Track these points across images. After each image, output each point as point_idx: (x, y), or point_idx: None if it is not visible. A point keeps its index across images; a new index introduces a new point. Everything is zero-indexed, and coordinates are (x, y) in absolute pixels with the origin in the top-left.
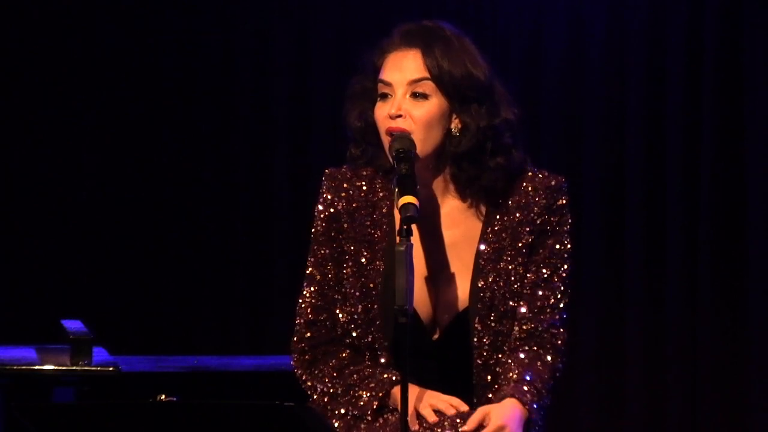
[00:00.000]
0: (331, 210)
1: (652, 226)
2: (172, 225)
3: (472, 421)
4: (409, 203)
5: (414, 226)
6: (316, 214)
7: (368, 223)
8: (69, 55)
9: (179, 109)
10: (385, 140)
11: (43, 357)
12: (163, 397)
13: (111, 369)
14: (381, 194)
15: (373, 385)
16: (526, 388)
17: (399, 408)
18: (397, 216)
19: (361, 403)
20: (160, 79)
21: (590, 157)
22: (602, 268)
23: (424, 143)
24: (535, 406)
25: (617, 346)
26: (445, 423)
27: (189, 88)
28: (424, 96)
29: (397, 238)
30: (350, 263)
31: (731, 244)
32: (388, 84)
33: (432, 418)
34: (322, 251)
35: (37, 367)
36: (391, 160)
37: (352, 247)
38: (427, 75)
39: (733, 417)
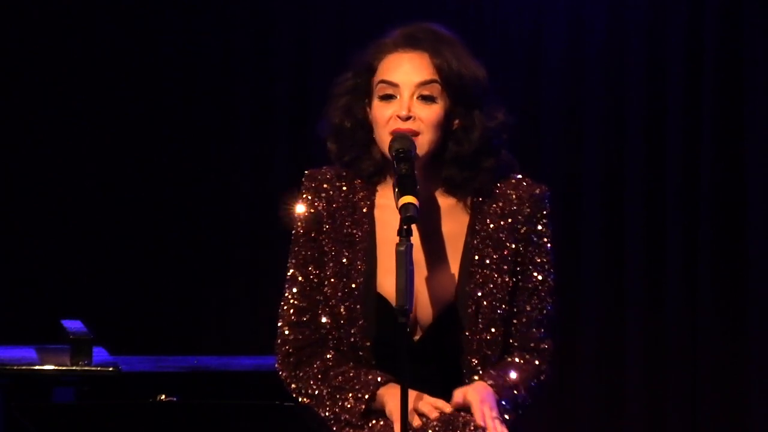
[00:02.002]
0: (312, 210)
1: (652, 226)
2: (172, 225)
3: (454, 404)
4: (410, 203)
5: (395, 224)
6: (296, 215)
7: (349, 223)
8: (69, 55)
9: (179, 109)
10: (386, 140)
11: (43, 357)
12: (163, 397)
13: (111, 369)
14: (361, 194)
15: (358, 387)
16: (494, 372)
17: (385, 410)
18: (378, 216)
19: (348, 406)
20: (160, 79)
21: (590, 157)
22: (602, 268)
23: (429, 145)
24: (504, 390)
25: (617, 346)
26: (428, 427)
27: (189, 88)
28: (432, 98)
29: (397, 238)
30: (331, 264)
31: (731, 244)
32: (394, 85)
33: (416, 422)
34: (304, 252)
35: (37, 367)
36: (390, 159)
37: (333, 248)
38: (436, 77)
39: (733, 417)
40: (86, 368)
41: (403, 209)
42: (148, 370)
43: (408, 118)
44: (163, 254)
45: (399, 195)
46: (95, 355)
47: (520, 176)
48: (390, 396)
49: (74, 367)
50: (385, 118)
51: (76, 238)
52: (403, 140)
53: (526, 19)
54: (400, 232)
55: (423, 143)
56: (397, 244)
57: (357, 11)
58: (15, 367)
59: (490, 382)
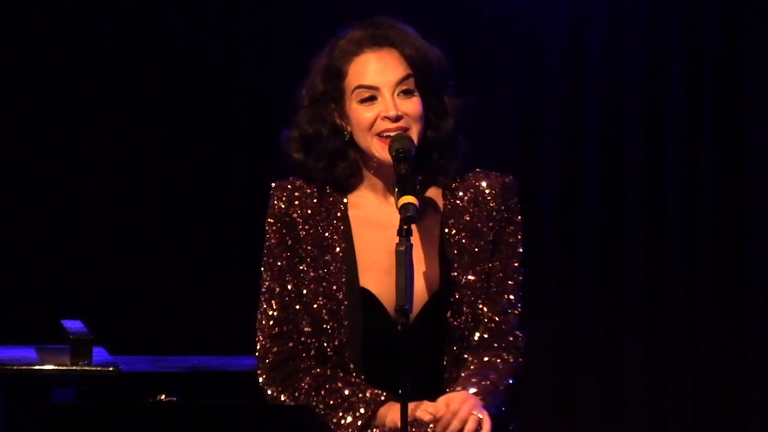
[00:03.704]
0: (287, 219)
1: (652, 226)
2: (172, 225)
3: (438, 409)
4: (409, 203)
5: (374, 221)
6: (267, 227)
7: (324, 225)
8: (69, 55)
9: (179, 109)
10: (378, 143)
11: (43, 357)
12: (163, 397)
13: (111, 369)
14: (332, 198)
15: (357, 405)
16: (475, 380)
17: (386, 421)
18: (352, 215)
19: (344, 423)
20: (160, 79)
21: (590, 157)
22: (602, 269)
23: (418, 136)
24: (488, 397)
25: (617, 346)
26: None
27: (189, 88)
28: (411, 92)
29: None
30: (310, 270)
31: (731, 244)
32: (373, 88)
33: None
34: (280, 263)
35: (37, 367)
36: (381, 159)
37: (311, 253)
38: (410, 72)
39: (733, 417)
40: (86, 368)
41: (403, 209)
42: (148, 370)
43: (398, 118)
44: (163, 254)
45: (399, 195)
46: (95, 355)
47: (481, 169)
48: (392, 412)
49: (74, 367)
50: (369, 121)
51: (76, 238)
52: (403, 140)
53: (526, 19)
54: (399, 232)
55: (413, 136)
56: (397, 244)
57: (357, 11)
58: (15, 367)
59: (473, 390)
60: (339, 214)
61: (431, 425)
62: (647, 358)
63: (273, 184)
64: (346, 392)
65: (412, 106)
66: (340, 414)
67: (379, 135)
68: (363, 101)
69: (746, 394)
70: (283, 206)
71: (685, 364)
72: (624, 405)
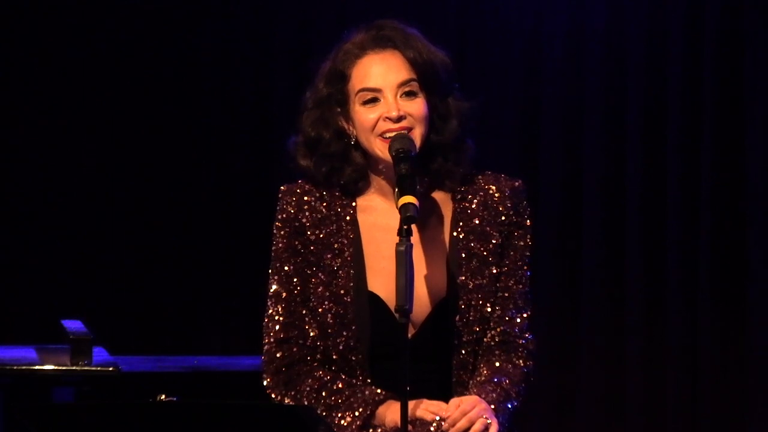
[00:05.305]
0: (296, 224)
1: (652, 227)
2: (172, 225)
3: (446, 409)
4: (409, 203)
5: (383, 225)
6: (275, 231)
7: (334, 230)
8: (69, 55)
9: (179, 109)
10: (380, 143)
11: (43, 357)
12: (163, 397)
13: (111, 369)
14: (341, 202)
15: (356, 405)
16: (491, 387)
17: (386, 421)
18: (361, 220)
19: (344, 423)
20: (160, 79)
21: (590, 157)
22: (602, 269)
23: (421, 138)
24: (501, 405)
25: (617, 347)
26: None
27: (189, 88)
28: (414, 93)
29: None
30: (319, 273)
31: (731, 245)
32: (375, 90)
33: (414, 427)
34: (286, 268)
35: (37, 367)
36: (382, 160)
37: (320, 256)
38: (414, 75)
39: (733, 417)
40: (86, 368)
41: (403, 209)
42: (148, 370)
43: (400, 119)
44: (163, 254)
45: (399, 195)
46: (95, 355)
47: (491, 172)
48: (391, 412)
49: (74, 367)
50: (371, 122)
51: (76, 238)
52: (403, 140)
53: (526, 19)
54: (400, 232)
55: (416, 137)
56: (397, 244)
57: (357, 13)
58: (15, 367)
59: (486, 397)
60: (348, 218)
61: (434, 424)
62: (647, 358)
63: (282, 188)
64: (347, 393)
65: (416, 107)
66: (339, 414)
67: (381, 136)
68: (366, 103)
69: (746, 395)
70: (292, 211)
71: (685, 364)
72: (624, 405)
